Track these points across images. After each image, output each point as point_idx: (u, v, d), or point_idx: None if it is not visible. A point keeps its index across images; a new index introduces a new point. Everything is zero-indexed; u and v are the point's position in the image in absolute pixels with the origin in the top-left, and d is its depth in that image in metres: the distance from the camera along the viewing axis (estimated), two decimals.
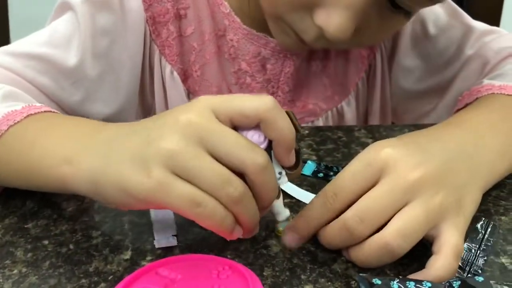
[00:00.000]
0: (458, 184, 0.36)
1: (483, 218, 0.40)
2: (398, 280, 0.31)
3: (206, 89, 0.61)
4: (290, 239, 0.37)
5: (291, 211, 0.43)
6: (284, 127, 0.33)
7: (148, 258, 0.37)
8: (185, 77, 0.60)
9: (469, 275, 0.34)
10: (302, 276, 0.35)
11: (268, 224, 0.41)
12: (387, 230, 0.33)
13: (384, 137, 0.56)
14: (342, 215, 0.35)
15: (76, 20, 0.54)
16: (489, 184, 0.42)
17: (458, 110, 0.53)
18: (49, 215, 0.43)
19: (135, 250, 0.38)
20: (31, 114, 0.43)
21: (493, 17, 0.94)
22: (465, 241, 0.37)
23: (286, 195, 0.45)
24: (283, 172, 0.36)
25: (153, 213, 0.42)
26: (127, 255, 0.38)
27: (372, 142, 0.54)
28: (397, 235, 0.33)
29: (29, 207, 0.44)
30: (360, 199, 0.34)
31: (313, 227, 0.37)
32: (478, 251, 0.36)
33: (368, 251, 0.34)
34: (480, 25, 0.64)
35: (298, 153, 0.36)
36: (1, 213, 0.43)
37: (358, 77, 0.65)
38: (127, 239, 0.39)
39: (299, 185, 0.46)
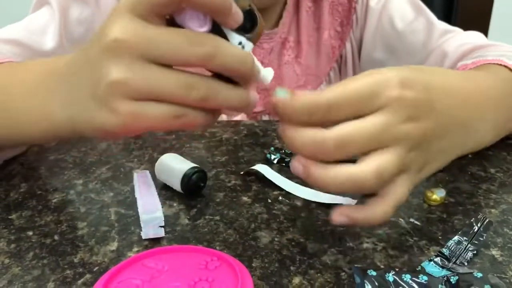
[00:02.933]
0: (436, 149, 0.36)
1: (480, 214, 0.40)
2: (393, 272, 0.30)
3: None
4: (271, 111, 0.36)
5: (280, 203, 0.42)
6: None
7: (135, 249, 0.37)
8: None
9: (454, 265, 0.34)
10: (291, 268, 0.35)
11: (257, 216, 0.40)
12: (366, 166, 0.31)
13: None
14: (325, 132, 0.31)
15: (51, 11, 0.57)
16: (470, 151, 0.41)
17: None
18: (34, 206, 0.42)
19: (121, 241, 0.37)
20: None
21: (482, 19, 0.95)
22: (457, 234, 0.37)
23: (276, 187, 0.44)
24: (244, 40, 0.32)
25: (140, 204, 0.41)
26: (113, 246, 0.37)
27: None
28: (375, 175, 0.31)
29: (13, 198, 0.43)
30: (348, 124, 0.32)
31: (290, 123, 0.32)
32: (468, 245, 0.36)
33: (336, 177, 0.31)
34: (441, 24, 0.66)
35: (250, 11, 0.32)
36: None
37: (330, 66, 0.67)
38: (114, 230, 0.39)
39: (290, 177, 0.46)
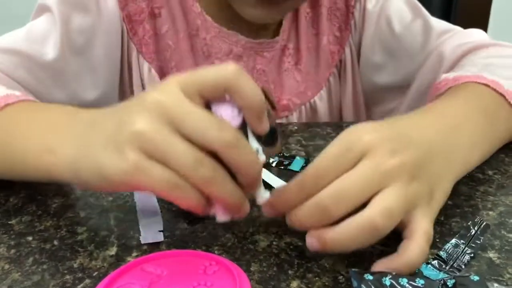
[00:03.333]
0: (433, 173, 0.36)
1: (478, 217, 0.40)
2: (390, 276, 0.30)
3: None
4: (268, 213, 0.36)
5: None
6: (249, 91, 0.32)
7: (134, 254, 0.37)
8: (162, 74, 0.61)
9: (451, 269, 0.34)
10: (289, 272, 0.35)
11: (255, 219, 0.40)
12: (372, 209, 0.32)
13: None
14: (318, 194, 0.33)
15: (52, 19, 0.56)
16: (459, 176, 0.42)
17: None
18: (34, 211, 0.42)
19: (120, 246, 0.38)
20: (9, 104, 0.43)
21: (481, 17, 0.95)
22: (454, 237, 0.37)
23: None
24: (260, 149, 0.34)
25: (139, 208, 0.41)
26: (113, 251, 0.37)
27: None
28: (383, 213, 0.32)
29: (13, 203, 0.43)
30: (338, 179, 0.33)
31: (289, 208, 0.35)
32: (466, 248, 0.36)
33: (349, 231, 0.32)
34: (439, 23, 0.65)
35: (274, 130, 0.35)
36: None
37: (329, 72, 0.67)
38: (113, 235, 0.39)
39: (287, 180, 0.46)
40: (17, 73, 0.54)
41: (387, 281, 0.29)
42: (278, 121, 0.66)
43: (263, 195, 0.36)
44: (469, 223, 0.38)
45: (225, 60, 0.61)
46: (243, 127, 0.34)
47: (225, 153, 0.31)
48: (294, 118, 0.66)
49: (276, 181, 0.45)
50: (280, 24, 0.64)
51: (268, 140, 0.35)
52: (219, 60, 0.61)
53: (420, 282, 0.30)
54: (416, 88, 0.64)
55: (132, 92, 0.61)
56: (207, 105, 0.33)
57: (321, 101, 0.67)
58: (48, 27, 0.56)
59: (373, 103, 0.70)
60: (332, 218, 0.33)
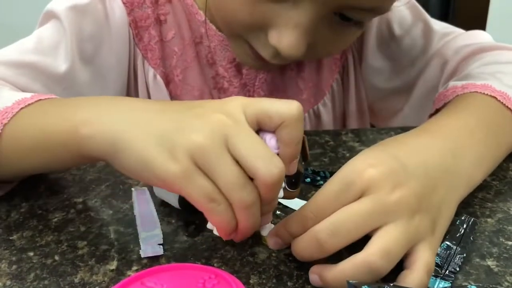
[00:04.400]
0: (435, 202, 0.36)
1: (464, 214, 0.40)
2: (387, 287, 0.31)
3: (188, 93, 0.62)
4: (274, 245, 0.38)
5: (277, 216, 0.43)
6: (298, 134, 0.34)
7: (134, 268, 0.37)
8: (167, 81, 0.61)
9: (447, 273, 0.34)
10: (289, 283, 0.35)
11: (255, 232, 0.41)
12: (370, 250, 0.32)
13: (371, 141, 0.56)
14: (314, 228, 0.34)
15: (61, 27, 0.56)
16: (464, 195, 0.41)
17: (432, 114, 0.54)
18: (35, 226, 0.42)
19: (121, 260, 0.38)
20: (41, 99, 0.43)
21: (479, 19, 0.95)
22: (445, 238, 0.37)
23: None
24: (281, 189, 0.36)
25: (139, 221, 0.42)
26: (113, 265, 0.37)
27: (359, 146, 0.55)
28: (381, 255, 0.32)
29: (14, 218, 0.44)
30: (335, 212, 0.34)
31: (287, 241, 0.37)
32: (457, 248, 0.36)
33: (348, 271, 0.32)
34: (440, 26, 0.65)
35: (299, 176, 0.37)
36: None
37: (332, 79, 0.67)
38: (113, 249, 0.39)
39: (284, 188, 0.46)
40: (32, 87, 0.53)
41: None
42: None
43: (266, 228, 0.38)
44: (457, 222, 0.38)
45: (229, 68, 0.62)
46: None
47: (265, 186, 0.33)
48: None
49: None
50: None
51: (291, 182, 0.37)
52: (223, 68, 0.61)
53: None
54: (419, 91, 0.64)
55: (137, 97, 0.61)
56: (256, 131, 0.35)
57: (324, 108, 0.67)
58: (57, 36, 0.56)
59: (377, 107, 0.70)
60: (327, 252, 0.34)
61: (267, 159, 0.32)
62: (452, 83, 0.53)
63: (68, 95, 0.56)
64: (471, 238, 0.38)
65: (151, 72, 0.60)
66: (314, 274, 0.34)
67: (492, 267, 0.36)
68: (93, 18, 0.57)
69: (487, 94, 0.49)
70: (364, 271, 0.32)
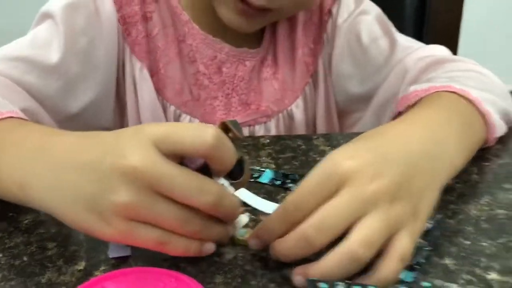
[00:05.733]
0: (416, 188, 0.37)
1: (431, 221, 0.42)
2: (344, 283, 0.32)
3: (170, 86, 0.65)
4: (255, 246, 0.38)
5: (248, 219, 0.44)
6: (224, 160, 0.35)
7: (102, 268, 0.38)
8: (152, 72, 0.65)
9: (413, 265, 0.36)
10: (252, 282, 0.36)
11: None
12: (352, 240, 0.33)
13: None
14: (300, 226, 0.34)
15: (54, 24, 0.60)
16: (446, 181, 0.42)
17: (395, 117, 0.56)
18: (5, 228, 0.43)
19: (89, 260, 0.38)
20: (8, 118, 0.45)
21: (452, 36, 0.98)
22: None
23: (243, 203, 0.45)
24: (227, 184, 0.37)
25: None
26: (81, 265, 0.38)
27: (330, 150, 0.56)
28: (362, 244, 0.33)
29: None
30: (319, 209, 0.34)
31: (272, 239, 0.37)
32: (423, 241, 0.38)
33: (332, 264, 0.33)
34: (404, 39, 0.69)
35: (241, 161, 0.37)
36: None
37: (305, 82, 0.70)
38: (82, 250, 0.40)
39: (256, 193, 0.47)
40: (25, 79, 0.57)
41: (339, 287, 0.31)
42: (257, 126, 0.68)
43: (242, 220, 0.39)
44: None
45: (210, 66, 0.65)
46: (206, 167, 0.35)
47: (210, 212, 0.34)
48: (272, 124, 0.69)
49: (243, 193, 0.46)
50: (261, 35, 0.68)
51: (235, 172, 0.37)
52: (204, 65, 0.65)
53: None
54: (379, 98, 0.67)
55: (124, 89, 0.65)
56: None
57: (297, 109, 0.70)
58: (51, 33, 0.60)
59: (345, 112, 0.73)
60: (315, 248, 0.34)
61: (198, 191, 0.33)
62: (413, 87, 0.56)
63: (61, 84, 0.60)
64: (439, 233, 0.39)
65: (138, 64, 0.64)
66: (298, 276, 0.35)
67: (449, 265, 0.37)
68: (85, 14, 0.60)
69: (450, 91, 0.51)
70: (347, 262, 0.33)
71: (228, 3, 0.58)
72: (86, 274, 0.37)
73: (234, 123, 0.36)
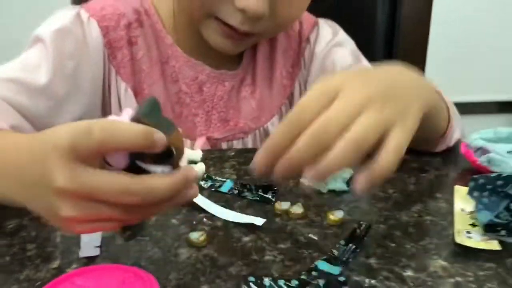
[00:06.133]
0: (402, 95, 0.42)
1: (361, 221, 0.48)
2: (271, 278, 0.38)
3: None
4: (263, 163, 0.39)
5: (203, 224, 0.50)
6: (123, 141, 0.34)
7: (74, 266, 0.43)
8: (136, 93, 0.70)
9: (341, 263, 0.42)
10: (201, 278, 0.42)
11: (181, 236, 0.47)
12: (352, 131, 0.37)
13: None
14: (307, 129, 0.37)
15: (44, 48, 0.64)
16: (427, 107, 0.45)
17: None
18: None
19: (63, 259, 0.44)
20: None
21: (420, 56, 1.05)
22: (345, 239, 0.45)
23: (202, 210, 0.51)
24: (163, 169, 0.37)
25: None
26: (55, 264, 0.44)
27: None
28: (352, 143, 0.37)
29: None
30: (321, 115, 0.38)
31: (280, 149, 0.38)
32: (352, 246, 0.44)
33: (338, 153, 0.37)
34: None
35: (167, 148, 0.36)
36: None
37: (281, 102, 0.76)
38: (57, 251, 0.46)
39: (216, 201, 0.53)
40: (16, 99, 0.61)
41: (266, 282, 0.37)
42: (235, 141, 0.74)
43: (200, 170, 0.40)
44: (354, 226, 0.46)
45: (191, 85, 0.70)
46: (135, 164, 0.36)
47: (144, 205, 0.36)
48: (249, 140, 0.75)
49: (203, 201, 0.52)
50: (240, 57, 0.73)
51: (164, 157, 0.36)
52: (186, 85, 0.71)
53: (294, 282, 0.37)
54: None
55: (110, 107, 0.69)
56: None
57: (273, 127, 0.76)
58: (40, 56, 0.64)
59: None
60: (326, 145, 0.37)
61: (124, 193, 0.34)
62: None
63: (51, 105, 0.63)
64: (364, 239, 0.45)
65: (123, 85, 0.68)
66: (309, 173, 0.37)
67: (372, 264, 0.43)
68: (73, 39, 0.65)
69: None
70: (350, 149, 0.37)
71: (215, 27, 0.63)
72: (60, 271, 0.43)
73: (151, 107, 0.37)
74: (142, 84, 0.69)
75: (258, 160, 0.39)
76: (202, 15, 0.63)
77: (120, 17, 0.68)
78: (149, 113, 0.36)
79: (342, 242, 0.45)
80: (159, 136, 0.35)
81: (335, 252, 0.44)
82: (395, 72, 0.47)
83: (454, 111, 0.64)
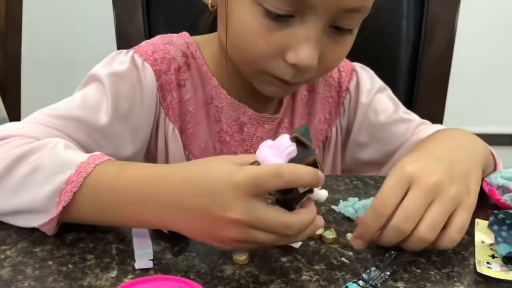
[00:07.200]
0: (464, 172, 0.53)
1: (392, 251, 0.52)
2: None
3: (196, 144, 0.75)
4: (358, 245, 0.52)
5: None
6: (305, 180, 0.46)
7: (130, 276, 0.48)
8: (181, 132, 0.74)
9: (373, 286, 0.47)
10: None
11: (225, 253, 0.52)
12: (421, 227, 0.49)
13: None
14: (391, 221, 0.49)
15: (103, 88, 0.67)
16: (485, 164, 0.60)
17: None
18: (53, 242, 0.54)
19: (120, 270, 0.49)
20: (98, 164, 0.52)
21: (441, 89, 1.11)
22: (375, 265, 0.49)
23: None
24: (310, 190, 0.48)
25: (135, 242, 0.53)
26: (114, 273, 0.49)
27: None
28: (428, 229, 0.49)
29: (37, 235, 0.55)
30: (401, 204, 0.49)
31: (372, 234, 0.51)
32: (382, 273, 0.49)
33: (411, 244, 0.50)
34: (415, 117, 0.82)
35: (315, 163, 0.47)
36: (15, 239, 0.54)
37: (315, 145, 0.82)
38: (114, 262, 0.51)
39: None
40: (77, 136, 0.63)
41: None
42: None
43: (323, 195, 0.50)
44: (386, 256, 0.51)
45: (233, 126, 0.75)
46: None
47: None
48: None
49: None
50: (280, 102, 0.78)
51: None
52: (227, 125, 0.75)
53: None
54: (392, 164, 0.77)
55: (155, 147, 0.74)
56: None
57: None
58: (100, 96, 0.66)
59: (359, 173, 0.84)
60: (406, 235, 0.50)
61: (284, 227, 0.46)
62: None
63: (107, 143, 0.66)
64: (394, 267, 0.50)
65: (170, 126, 0.73)
66: (356, 240, 0.52)
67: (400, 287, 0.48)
68: (129, 82, 0.68)
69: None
70: (416, 244, 0.50)
71: (266, 80, 0.65)
72: (117, 280, 0.48)
73: (304, 131, 0.47)
74: (187, 124, 0.74)
75: (356, 245, 0.52)
76: (253, 71, 0.66)
77: (171, 61, 0.71)
78: (303, 134, 0.47)
79: (373, 268, 0.49)
80: (322, 176, 0.46)
81: (365, 276, 0.48)
82: (454, 145, 0.57)
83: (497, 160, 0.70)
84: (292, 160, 0.46)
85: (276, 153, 0.46)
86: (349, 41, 0.66)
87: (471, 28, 1.89)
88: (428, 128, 0.79)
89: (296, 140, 0.46)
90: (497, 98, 2.13)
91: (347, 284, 0.47)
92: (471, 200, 0.52)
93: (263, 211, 0.45)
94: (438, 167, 0.51)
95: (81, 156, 0.54)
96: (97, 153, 0.55)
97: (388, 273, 0.49)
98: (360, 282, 0.47)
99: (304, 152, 0.46)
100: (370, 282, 0.47)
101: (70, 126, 0.63)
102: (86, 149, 0.64)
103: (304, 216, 0.47)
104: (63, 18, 1.87)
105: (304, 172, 0.45)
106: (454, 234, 0.50)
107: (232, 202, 0.44)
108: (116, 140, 0.68)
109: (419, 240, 0.49)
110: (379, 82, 0.83)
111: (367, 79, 0.82)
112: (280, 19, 0.59)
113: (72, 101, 0.66)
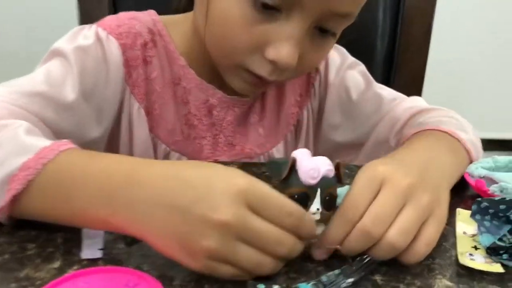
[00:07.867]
0: (434, 183, 0.48)
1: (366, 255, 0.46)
2: (279, 286, 0.37)
3: (163, 125, 0.70)
4: (319, 254, 0.46)
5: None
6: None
7: (75, 267, 0.43)
8: (147, 113, 0.69)
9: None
10: (206, 285, 0.41)
11: None
12: (391, 231, 0.43)
13: None
14: (360, 223, 0.43)
15: (67, 63, 0.62)
16: (450, 186, 0.53)
17: None
18: None
19: (64, 260, 0.43)
20: (62, 151, 0.46)
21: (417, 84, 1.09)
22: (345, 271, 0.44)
23: None
24: (320, 210, 0.44)
25: (84, 229, 0.47)
26: (56, 264, 0.43)
27: None
28: (400, 234, 0.43)
29: None
30: (370, 207, 0.43)
31: (338, 241, 0.44)
32: (343, 281, 0.42)
33: (379, 251, 0.44)
34: (387, 92, 0.78)
35: (335, 198, 0.45)
36: None
37: (287, 129, 0.78)
38: (59, 252, 0.45)
39: None
40: (44, 114, 0.58)
41: None
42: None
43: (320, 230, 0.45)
44: (357, 259, 0.44)
45: (201, 108, 0.70)
46: (315, 187, 0.43)
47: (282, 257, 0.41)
48: None
49: None
50: None
51: (329, 204, 0.44)
52: (196, 108, 0.70)
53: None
54: (371, 144, 0.76)
55: (118, 125, 0.68)
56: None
57: (278, 153, 0.77)
58: (65, 71, 0.61)
59: (336, 157, 0.79)
60: (375, 239, 0.43)
61: (276, 243, 0.40)
62: (409, 131, 0.66)
63: (74, 120, 0.61)
64: (363, 273, 0.44)
65: (136, 105, 0.68)
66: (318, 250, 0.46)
67: (378, 280, 0.43)
68: (94, 57, 0.63)
69: (440, 130, 0.62)
70: (386, 251, 0.43)
71: (242, 76, 0.61)
72: (60, 272, 0.42)
73: (342, 166, 0.45)
74: (153, 104, 0.69)
75: (318, 255, 0.46)
76: (230, 64, 0.62)
77: (137, 36, 0.67)
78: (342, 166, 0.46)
79: (337, 271, 0.43)
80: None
81: (324, 278, 0.42)
82: (422, 157, 0.52)
83: (478, 149, 0.66)
84: (322, 180, 0.43)
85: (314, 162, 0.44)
86: (331, 44, 0.63)
87: (449, 19, 1.89)
88: (404, 102, 0.76)
89: (337, 168, 0.45)
90: (475, 90, 2.09)
91: (298, 284, 0.42)
92: (443, 212, 0.47)
93: (255, 220, 0.39)
94: (410, 172, 0.46)
95: (44, 142, 0.48)
96: (64, 140, 0.49)
97: (352, 280, 0.43)
98: (320, 285, 0.42)
99: (333, 182, 0.45)
100: (330, 285, 0.42)
101: (36, 102, 0.58)
102: (54, 128, 0.59)
103: (298, 241, 0.42)
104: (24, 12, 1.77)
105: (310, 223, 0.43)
106: (421, 248, 0.44)
107: (223, 203, 0.38)
108: (82, 118, 0.63)
109: (389, 246, 0.43)
110: (350, 59, 0.79)
111: (337, 56, 0.78)
112: (266, 11, 0.56)
113: (33, 78, 0.61)
